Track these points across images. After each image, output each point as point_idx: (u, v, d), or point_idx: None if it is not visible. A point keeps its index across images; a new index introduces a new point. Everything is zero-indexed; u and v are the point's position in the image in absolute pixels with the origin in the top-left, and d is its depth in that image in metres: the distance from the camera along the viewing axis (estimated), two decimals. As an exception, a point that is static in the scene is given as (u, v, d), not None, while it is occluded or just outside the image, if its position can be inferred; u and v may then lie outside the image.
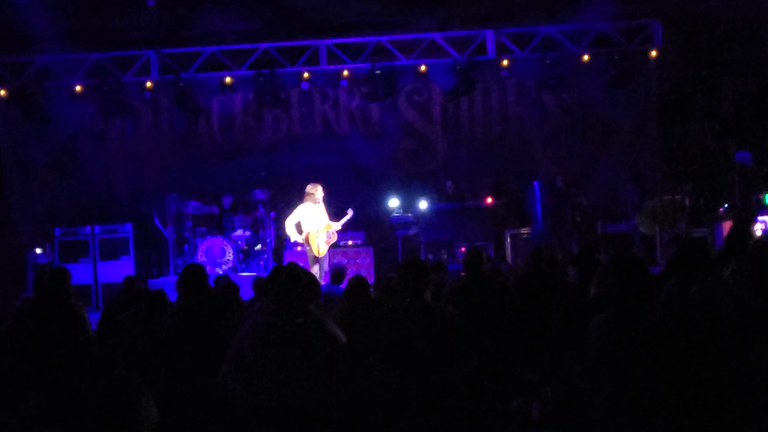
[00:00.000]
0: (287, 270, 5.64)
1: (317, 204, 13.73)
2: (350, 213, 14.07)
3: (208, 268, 14.22)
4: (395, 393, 5.77)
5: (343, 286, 10.75)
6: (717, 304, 6.05)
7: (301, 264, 14.07)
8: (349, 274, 15.09)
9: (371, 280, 15.07)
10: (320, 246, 13.73)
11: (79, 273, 15.53)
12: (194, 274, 7.17)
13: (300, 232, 13.67)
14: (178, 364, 6.77)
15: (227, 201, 16.54)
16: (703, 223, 15.56)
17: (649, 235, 15.49)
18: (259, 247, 16.22)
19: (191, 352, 6.72)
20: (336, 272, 11.00)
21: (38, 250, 16.48)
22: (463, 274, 13.14)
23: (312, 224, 13.62)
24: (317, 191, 13.72)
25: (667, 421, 5.19)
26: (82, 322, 7.79)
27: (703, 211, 15.95)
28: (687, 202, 15.82)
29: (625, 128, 17.53)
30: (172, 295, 11.63)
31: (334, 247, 14.67)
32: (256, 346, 5.36)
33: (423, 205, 16.35)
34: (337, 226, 13.86)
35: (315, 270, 13.28)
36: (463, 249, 16.07)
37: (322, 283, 11.44)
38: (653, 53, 17.11)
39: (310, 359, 5.28)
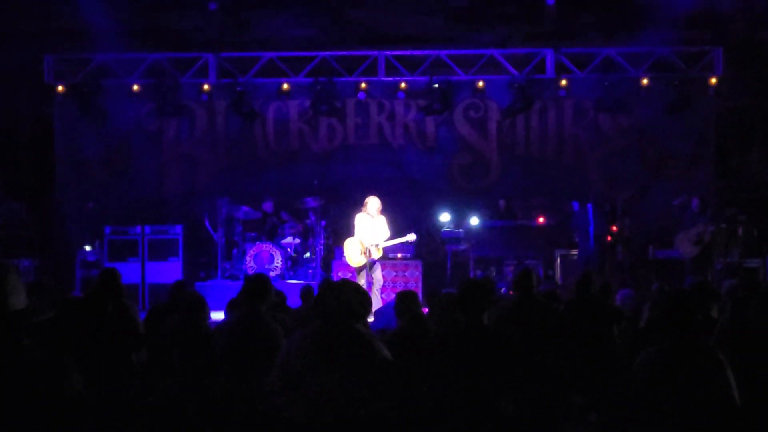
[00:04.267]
0: (338, 285, 5.56)
1: (370, 216, 13.80)
2: (410, 238, 13.99)
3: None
4: (446, 417, 5.69)
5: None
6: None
7: (350, 273, 14.31)
8: (398, 287, 15.29)
9: (419, 294, 15.09)
10: (352, 256, 13.86)
11: (128, 272, 15.46)
12: (259, 283, 7.09)
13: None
14: (225, 371, 6.74)
15: (268, 206, 16.60)
16: (757, 254, 15.42)
17: (686, 257, 15.32)
18: (308, 255, 16.20)
19: (241, 361, 6.68)
20: None
21: (88, 248, 16.52)
22: (510, 293, 13.24)
23: (357, 234, 13.86)
24: (368, 204, 13.82)
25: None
26: (134, 323, 7.79)
27: (756, 241, 15.78)
28: (740, 231, 15.65)
29: (681, 154, 17.31)
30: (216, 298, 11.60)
31: (383, 259, 14.60)
32: (302, 359, 5.29)
33: (474, 221, 16.25)
34: (380, 242, 13.82)
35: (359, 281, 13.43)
36: (512, 267, 16.03)
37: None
38: (713, 80, 16.98)
39: (354, 376, 5.19)
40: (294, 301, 11.18)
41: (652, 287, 11.68)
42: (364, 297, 5.51)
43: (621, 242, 15.93)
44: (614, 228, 15.86)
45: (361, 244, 13.72)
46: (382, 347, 5.44)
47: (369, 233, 13.75)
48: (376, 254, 13.79)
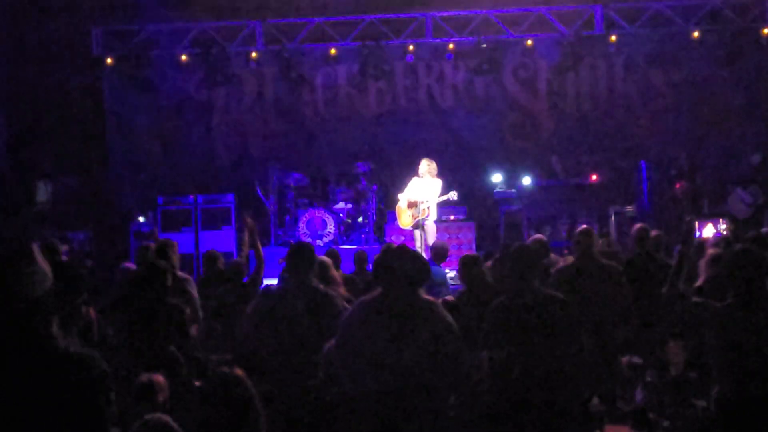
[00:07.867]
0: (396, 252, 5.49)
1: (420, 179, 13.73)
2: (452, 195, 13.80)
3: (309, 240, 14.45)
4: (501, 381, 5.71)
5: (444, 265, 10.67)
6: None
7: (403, 237, 14.27)
8: (452, 249, 15.18)
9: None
10: (403, 218, 13.91)
11: (182, 242, 15.45)
12: (305, 252, 6.91)
13: None
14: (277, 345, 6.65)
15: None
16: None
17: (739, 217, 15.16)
18: (360, 220, 16.19)
19: (301, 331, 6.59)
20: (437, 252, 10.72)
21: (141, 219, 16.55)
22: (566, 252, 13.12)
23: (407, 196, 13.86)
24: (420, 166, 13.73)
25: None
26: (191, 296, 7.79)
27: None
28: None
29: (734, 107, 17.15)
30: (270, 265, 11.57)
31: (437, 221, 14.52)
32: (364, 328, 5.24)
33: (527, 180, 16.18)
34: (429, 203, 13.67)
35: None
36: (566, 226, 15.95)
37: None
38: (765, 31, 16.73)
39: (419, 344, 5.14)
40: (348, 266, 11.16)
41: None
42: (422, 263, 5.44)
43: (686, 198, 15.78)
44: (678, 185, 15.73)
45: (400, 208, 13.79)
46: (445, 313, 5.39)
47: (413, 195, 13.71)
48: (419, 214, 13.66)
